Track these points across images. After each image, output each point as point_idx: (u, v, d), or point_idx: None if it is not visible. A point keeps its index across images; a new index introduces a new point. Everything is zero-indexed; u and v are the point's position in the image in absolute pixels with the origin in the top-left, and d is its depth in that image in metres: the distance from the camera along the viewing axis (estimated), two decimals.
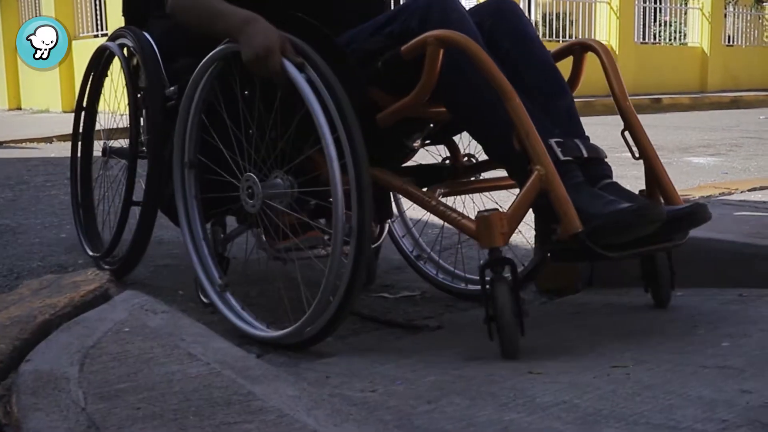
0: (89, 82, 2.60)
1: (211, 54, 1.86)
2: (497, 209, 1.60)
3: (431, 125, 2.04)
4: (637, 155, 1.74)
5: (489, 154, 1.87)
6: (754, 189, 2.99)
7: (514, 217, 1.57)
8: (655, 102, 11.75)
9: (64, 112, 9.98)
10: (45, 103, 10.74)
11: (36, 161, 5.54)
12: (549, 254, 1.68)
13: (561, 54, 1.92)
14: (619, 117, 1.78)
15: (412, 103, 1.72)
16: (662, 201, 1.72)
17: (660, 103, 11.83)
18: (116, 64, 2.46)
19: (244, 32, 1.75)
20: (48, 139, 7.30)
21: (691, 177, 4.43)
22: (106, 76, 2.59)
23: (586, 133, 1.75)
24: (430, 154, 2.20)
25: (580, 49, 1.89)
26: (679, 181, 4.25)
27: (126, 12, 2.46)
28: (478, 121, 1.72)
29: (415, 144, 2.06)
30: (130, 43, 2.30)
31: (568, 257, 1.63)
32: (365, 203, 1.60)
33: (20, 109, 11.48)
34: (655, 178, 1.73)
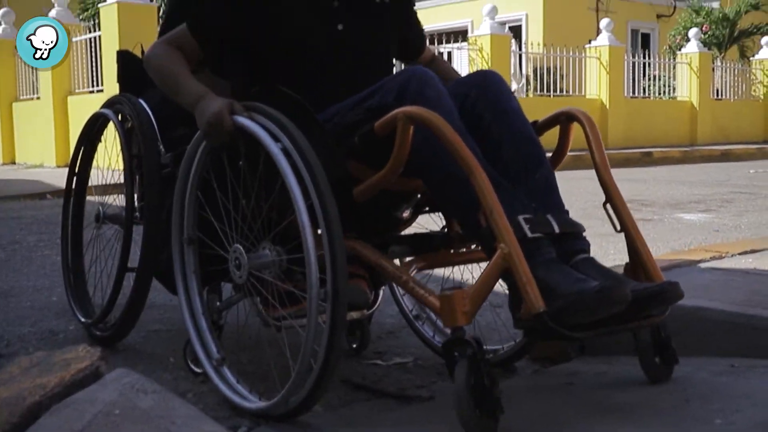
0: (82, 150, 2.61)
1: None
2: (461, 287, 1.58)
3: (419, 195, 2.05)
4: (618, 228, 1.76)
5: (462, 230, 1.87)
6: (745, 252, 2.99)
7: (477, 295, 1.55)
8: (645, 155, 11.85)
9: (58, 167, 10.01)
10: (39, 158, 10.77)
11: (29, 219, 5.52)
12: (522, 331, 1.66)
13: (548, 124, 1.94)
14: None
15: (386, 178, 1.73)
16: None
17: (651, 157, 11.92)
18: (110, 129, 2.48)
19: (197, 109, 1.86)
20: (41, 195, 7.30)
21: (682, 235, 4.43)
22: (100, 141, 2.61)
23: (566, 207, 1.75)
24: (434, 221, 2.18)
25: (566, 120, 1.91)
26: (670, 239, 4.29)
27: (121, 79, 2.48)
28: (449, 196, 1.72)
29: (405, 214, 2.07)
30: (126, 110, 2.32)
31: (537, 336, 1.60)
32: (338, 268, 1.59)
33: (14, 163, 11.51)
34: (634, 252, 1.72)
